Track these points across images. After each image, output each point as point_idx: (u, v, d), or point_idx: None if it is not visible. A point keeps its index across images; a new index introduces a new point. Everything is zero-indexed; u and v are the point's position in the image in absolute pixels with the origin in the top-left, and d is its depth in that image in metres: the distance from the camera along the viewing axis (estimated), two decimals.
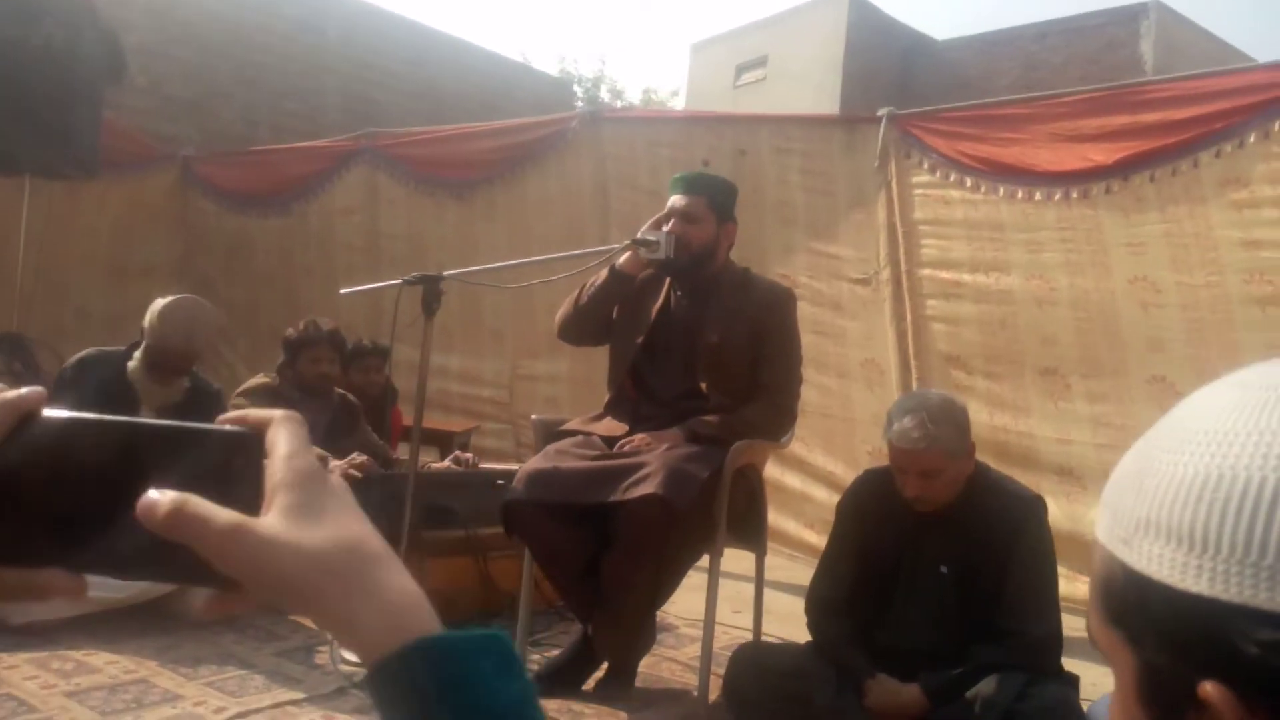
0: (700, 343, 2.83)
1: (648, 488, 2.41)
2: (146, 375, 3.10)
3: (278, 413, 0.51)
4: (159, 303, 3.07)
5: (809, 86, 16.92)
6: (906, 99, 16.46)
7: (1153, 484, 0.49)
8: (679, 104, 21.61)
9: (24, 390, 0.51)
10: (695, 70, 19.71)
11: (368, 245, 6.20)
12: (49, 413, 0.51)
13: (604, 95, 22.34)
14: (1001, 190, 4.08)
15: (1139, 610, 0.49)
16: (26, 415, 0.50)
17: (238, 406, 3.52)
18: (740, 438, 2.70)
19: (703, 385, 2.83)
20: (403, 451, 4.28)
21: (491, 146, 5.69)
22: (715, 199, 2.91)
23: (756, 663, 2.55)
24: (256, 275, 6.72)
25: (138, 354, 3.10)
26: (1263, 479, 0.45)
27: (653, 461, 2.49)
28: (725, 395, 2.81)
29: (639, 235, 2.81)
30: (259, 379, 3.71)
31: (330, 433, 3.74)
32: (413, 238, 6.03)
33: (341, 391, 3.84)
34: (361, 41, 9.99)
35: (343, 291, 3.04)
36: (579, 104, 18.51)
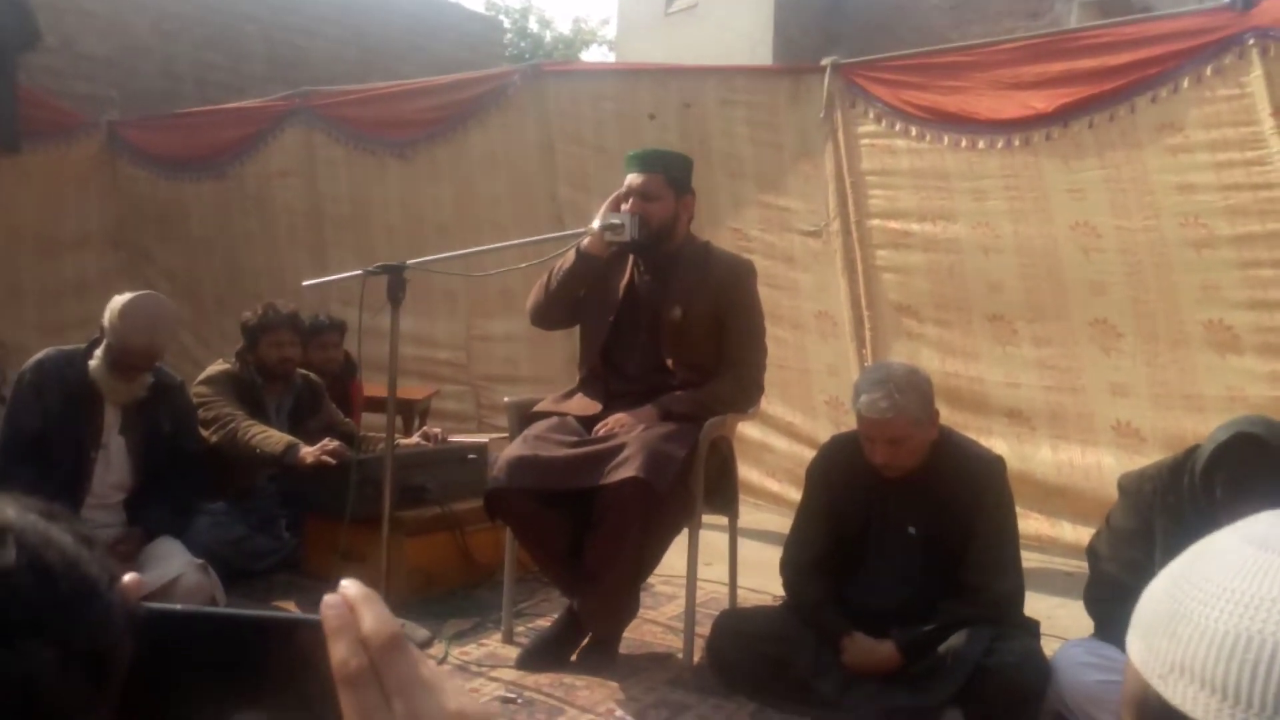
0: (664, 319, 2.88)
1: (629, 471, 2.48)
2: (109, 374, 3.05)
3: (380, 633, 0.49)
4: (118, 301, 3.01)
5: (742, 12, 16.72)
6: (839, 20, 16.33)
7: (1186, 632, 0.57)
8: (609, 33, 21.19)
9: (124, 581, 0.54)
10: None
11: (309, 208, 6.08)
12: (147, 606, 0.53)
13: (532, 26, 21.83)
14: (946, 139, 4.15)
15: None
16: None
17: (200, 395, 3.51)
18: (712, 413, 2.78)
19: (668, 361, 2.89)
20: (366, 423, 4.30)
21: (431, 104, 5.58)
22: (671, 174, 2.92)
23: (737, 629, 2.67)
24: (194, 242, 6.56)
25: (99, 353, 3.06)
26: None
27: (631, 444, 2.56)
28: (691, 370, 2.88)
29: (601, 220, 2.83)
30: (219, 365, 3.68)
31: (295, 415, 3.74)
32: (355, 199, 5.94)
33: (304, 372, 3.82)
34: None
35: (305, 284, 3.01)
36: (508, 38, 18.09)
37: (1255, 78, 3.47)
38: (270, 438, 3.40)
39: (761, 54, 14.33)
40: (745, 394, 2.95)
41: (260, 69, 9.19)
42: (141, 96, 8.13)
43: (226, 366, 3.67)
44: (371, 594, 0.51)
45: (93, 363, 3.05)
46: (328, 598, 0.51)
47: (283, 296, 4.51)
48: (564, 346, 5.01)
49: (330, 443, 3.35)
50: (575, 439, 2.70)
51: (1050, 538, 3.92)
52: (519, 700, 2.56)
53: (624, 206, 2.87)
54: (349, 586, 0.51)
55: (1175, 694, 0.57)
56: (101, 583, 0.49)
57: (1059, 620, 3.09)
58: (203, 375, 3.64)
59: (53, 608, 0.46)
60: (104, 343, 3.03)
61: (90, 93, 7.84)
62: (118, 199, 6.62)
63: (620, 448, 2.56)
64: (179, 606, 0.54)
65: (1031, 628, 2.58)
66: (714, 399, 2.84)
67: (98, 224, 6.59)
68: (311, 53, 9.61)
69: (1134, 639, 0.63)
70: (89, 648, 0.46)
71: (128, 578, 0.53)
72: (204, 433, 3.45)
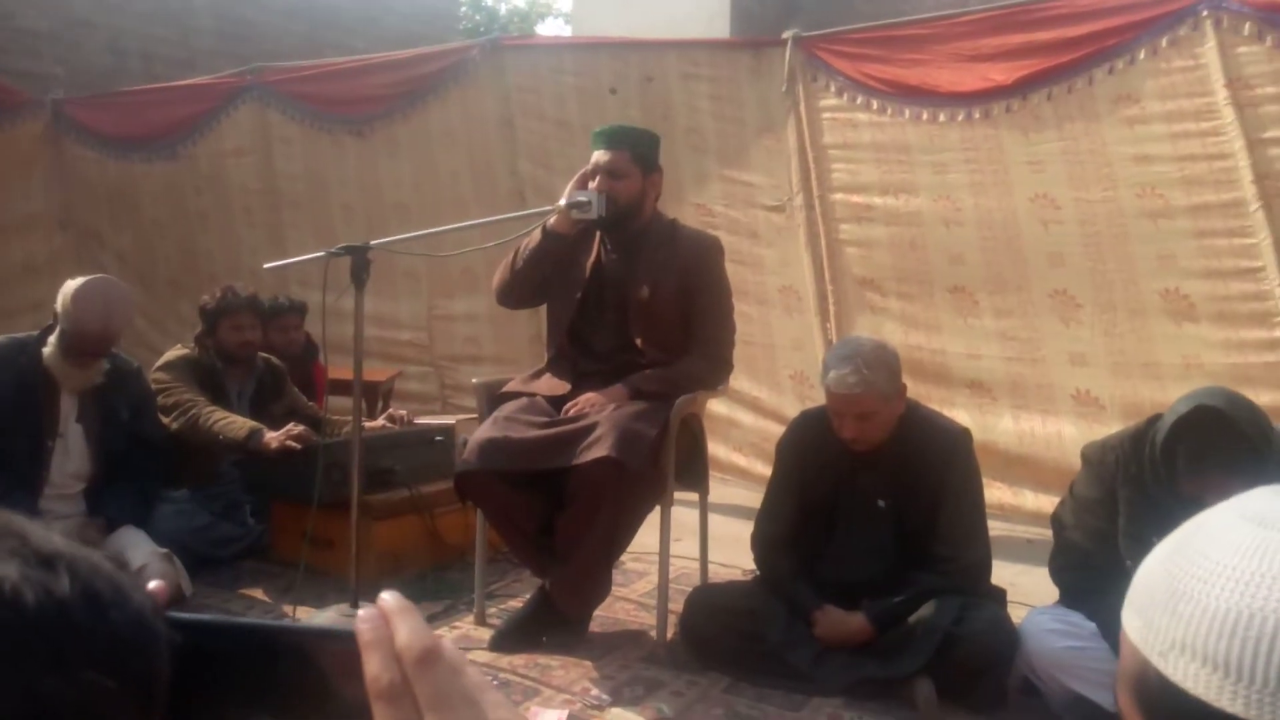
0: (631, 298, 2.87)
1: (600, 450, 2.48)
2: (64, 361, 2.99)
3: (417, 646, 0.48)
4: (71, 285, 2.95)
5: None
6: None
7: (1186, 610, 0.58)
8: (565, 5, 20.95)
9: (150, 586, 0.53)
10: None
11: (265, 187, 5.96)
12: (176, 615, 0.53)
13: None
14: (907, 112, 4.16)
15: (1174, 715, 0.58)
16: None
17: (159, 381, 3.45)
18: (682, 392, 2.78)
19: (637, 340, 2.88)
20: (329, 406, 4.25)
21: (388, 80, 5.48)
22: (638, 151, 2.90)
23: (709, 605, 2.69)
24: (146, 223, 6.41)
25: (52, 339, 2.99)
26: None
27: (602, 423, 2.55)
28: (659, 349, 2.87)
29: (568, 198, 2.80)
30: (178, 351, 3.61)
31: (257, 400, 3.69)
32: (312, 177, 5.83)
33: (265, 356, 3.76)
34: None
35: (266, 266, 2.96)
36: (463, 10, 17.81)
37: (1209, 49, 3.51)
38: (233, 424, 3.35)
39: (719, 26, 14.19)
40: (715, 372, 2.95)
41: (208, 43, 8.98)
42: (86, 72, 7.91)
43: (185, 351, 3.60)
44: (408, 606, 0.50)
45: (46, 350, 2.98)
46: (363, 611, 0.50)
47: (239, 278, 4.43)
48: (527, 325, 4.99)
49: (295, 427, 3.30)
50: (545, 419, 2.69)
51: (1012, 506, 3.99)
52: (494, 682, 2.56)
53: (591, 184, 2.85)
54: (386, 599, 0.50)
55: (1176, 671, 0.58)
56: (146, 609, 0.48)
57: (1021, 587, 3.15)
58: (161, 361, 3.57)
59: (106, 636, 0.45)
60: (57, 329, 2.96)
61: (32, 70, 7.61)
62: (65, 180, 6.44)
63: (591, 427, 2.56)
64: (208, 616, 0.54)
65: (998, 596, 2.62)
66: (684, 377, 2.83)
67: (44, 206, 6.41)
68: (261, 26, 9.40)
69: (1131, 616, 0.63)
70: (141, 675, 0.46)
71: (152, 585, 0.52)
72: (164, 420, 3.39)
